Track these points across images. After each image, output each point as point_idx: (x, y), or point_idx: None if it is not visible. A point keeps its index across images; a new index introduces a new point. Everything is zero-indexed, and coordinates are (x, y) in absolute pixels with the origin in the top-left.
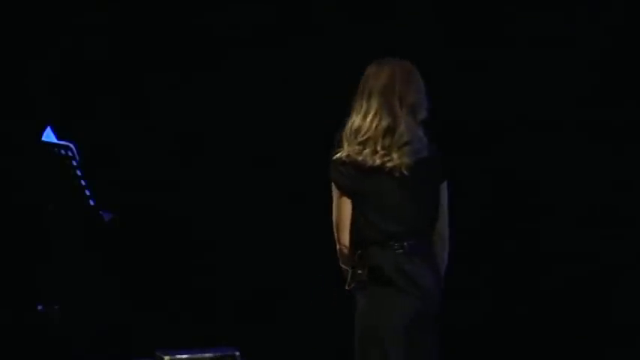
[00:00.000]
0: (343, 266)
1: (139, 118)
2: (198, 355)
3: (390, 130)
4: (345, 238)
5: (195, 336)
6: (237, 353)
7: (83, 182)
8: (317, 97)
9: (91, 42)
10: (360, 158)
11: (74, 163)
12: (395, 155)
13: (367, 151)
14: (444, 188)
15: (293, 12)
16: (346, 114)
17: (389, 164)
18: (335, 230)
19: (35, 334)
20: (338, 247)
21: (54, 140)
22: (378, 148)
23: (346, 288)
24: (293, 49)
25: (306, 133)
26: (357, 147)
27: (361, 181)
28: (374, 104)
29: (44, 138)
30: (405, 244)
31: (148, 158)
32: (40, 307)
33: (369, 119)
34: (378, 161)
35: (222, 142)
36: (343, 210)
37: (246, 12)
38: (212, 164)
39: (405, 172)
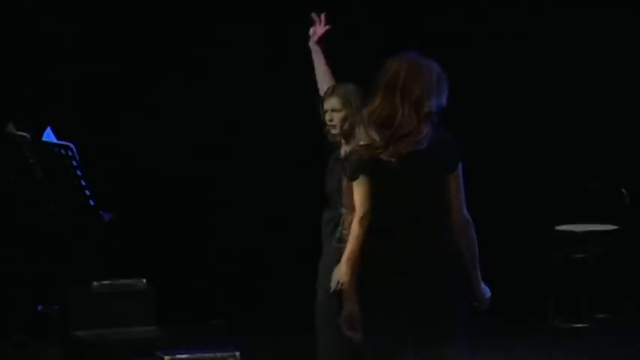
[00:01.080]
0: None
1: (139, 118)
2: (198, 355)
3: (387, 123)
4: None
5: (195, 336)
6: (237, 353)
7: (83, 182)
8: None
9: (90, 44)
10: (360, 151)
11: (74, 163)
12: (391, 148)
13: (366, 144)
14: (455, 177)
15: None
16: None
17: (383, 157)
18: None
19: (35, 334)
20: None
21: (54, 140)
22: (377, 141)
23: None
24: None
25: None
26: (361, 140)
27: (363, 174)
28: (378, 98)
29: (44, 138)
30: (404, 237)
31: (148, 158)
32: (40, 307)
33: (371, 112)
34: (372, 154)
35: (223, 143)
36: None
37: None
38: (212, 165)
39: (398, 165)
